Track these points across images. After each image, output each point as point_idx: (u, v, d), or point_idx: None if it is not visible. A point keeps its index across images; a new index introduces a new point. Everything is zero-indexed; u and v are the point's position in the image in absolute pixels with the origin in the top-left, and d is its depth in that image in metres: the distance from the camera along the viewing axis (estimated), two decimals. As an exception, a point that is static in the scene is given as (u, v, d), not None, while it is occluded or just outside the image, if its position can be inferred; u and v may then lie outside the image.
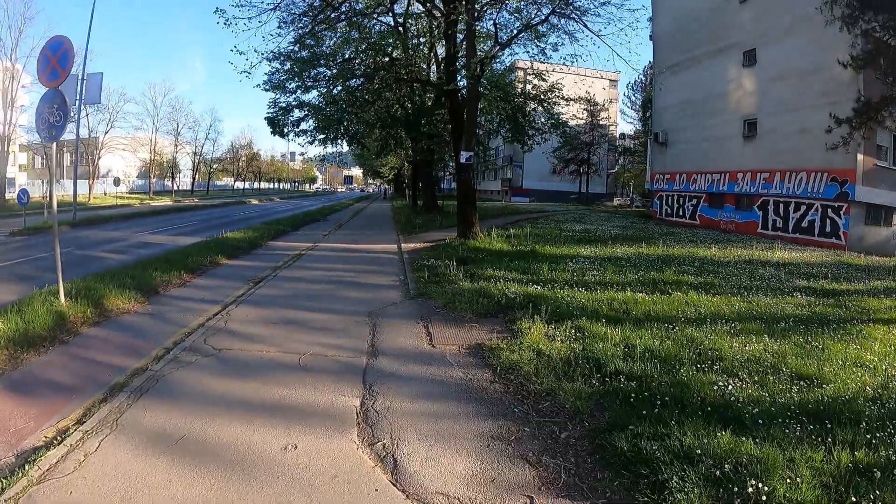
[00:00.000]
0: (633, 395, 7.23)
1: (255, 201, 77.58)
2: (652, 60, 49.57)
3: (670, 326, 10.75)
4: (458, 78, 23.66)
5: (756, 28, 36.15)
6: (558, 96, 38.41)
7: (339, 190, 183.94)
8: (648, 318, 11.59)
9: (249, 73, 22.14)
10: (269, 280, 16.60)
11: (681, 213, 43.64)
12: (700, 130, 41.40)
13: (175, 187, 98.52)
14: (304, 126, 41.31)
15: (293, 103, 39.55)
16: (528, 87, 36.58)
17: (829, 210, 31.76)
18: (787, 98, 33.82)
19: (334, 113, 37.19)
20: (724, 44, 38.61)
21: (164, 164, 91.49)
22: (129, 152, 79.87)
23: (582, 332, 10.32)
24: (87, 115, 68.65)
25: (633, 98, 78.20)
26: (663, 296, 13.92)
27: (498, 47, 21.80)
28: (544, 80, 36.12)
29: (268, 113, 41.23)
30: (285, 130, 41.46)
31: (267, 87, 39.81)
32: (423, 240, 27.11)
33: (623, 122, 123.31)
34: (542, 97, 37.11)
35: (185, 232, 30.91)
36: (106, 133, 72.94)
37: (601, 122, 77.46)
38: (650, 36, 48.70)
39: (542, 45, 23.02)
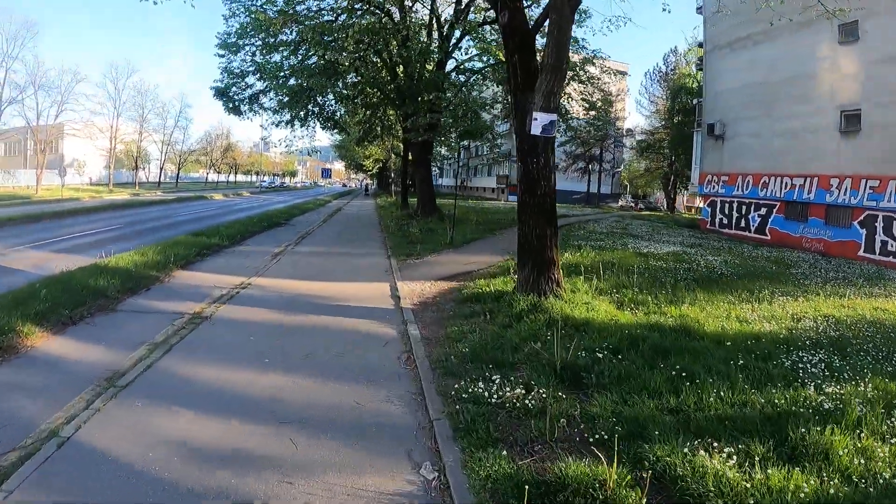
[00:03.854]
0: None
1: (218, 196, 64.70)
2: (702, 37, 38.49)
3: None
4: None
5: (859, -6, 25.79)
6: (603, 69, 28.52)
7: (318, 184, 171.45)
8: None
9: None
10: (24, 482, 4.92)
11: (743, 224, 32.80)
12: (773, 122, 30.65)
13: (144, 178, 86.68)
14: (264, 101, 30.57)
15: (249, 68, 28.49)
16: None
17: (972, 234, 21.75)
18: (906, 85, 24.04)
19: (303, 83, 26.36)
20: (812, 14, 27.92)
21: (130, 153, 78.85)
22: (96, 139, 67.52)
23: None
24: (35, 92, 56.77)
25: (649, 88, 67.61)
26: None
27: None
28: (584, 46, 26.49)
29: (216, 81, 29.99)
30: (241, 107, 30.50)
31: (221, 52, 28.91)
32: (435, 273, 15.69)
33: (638, 115, 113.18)
34: (576, 72, 27.62)
35: (86, 245, 19.72)
36: (56, 117, 60.53)
37: (615, 117, 66.52)
38: (697, 8, 38.22)
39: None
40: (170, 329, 9.66)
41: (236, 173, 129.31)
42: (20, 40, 65.53)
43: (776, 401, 6.73)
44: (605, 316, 10.14)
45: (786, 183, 29.76)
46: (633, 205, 76.97)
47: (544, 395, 6.50)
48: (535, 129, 9.95)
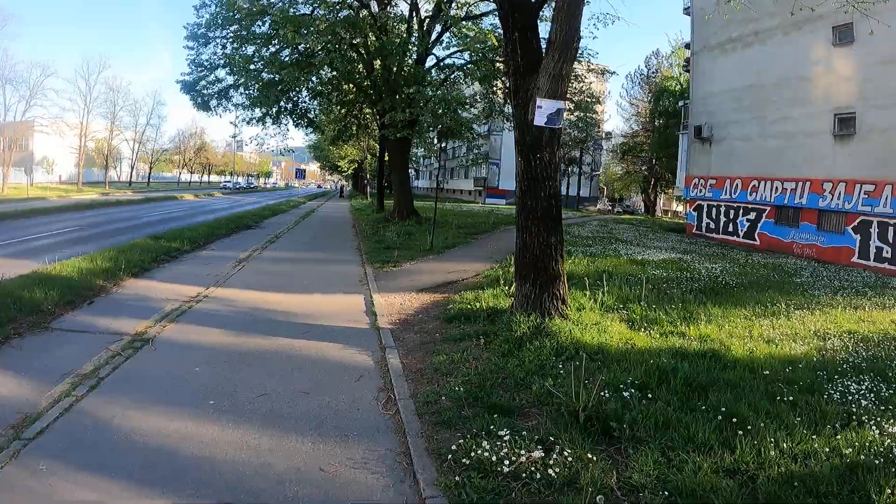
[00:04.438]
0: None
1: (189, 196, 62.08)
2: (689, 38, 37.31)
3: None
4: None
5: (854, -5, 24.54)
6: (589, 68, 27.21)
7: (290, 186, 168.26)
8: None
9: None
10: None
11: (731, 228, 31.61)
12: (764, 125, 29.39)
13: (115, 178, 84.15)
14: (234, 97, 28.77)
15: (219, 60, 26.78)
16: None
17: (973, 241, 20.66)
18: (903, 88, 22.94)
19: (275, 76, 24.83)
20: (805, 15, 26.86)
21: (101, 151, 76.12)
22: (65, 137, 64.90)
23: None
24: (2, 86, 55.68)
25: (630, 91, 66.69)
26: None
27: None
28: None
29: (184, 75, 28.17)
30: (210, 103, 28.69)
31: (190, 44, 27.18)
32: (415, 283, 14.12)
33: (619, 118, 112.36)
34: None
35: (39, 248, 17.82)
36: (24, 113, 58.15)
37: (596, 118, 65.56)
38: (685, 9, 37.07)
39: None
40: (103, 355, 7.98)
41: (210, 173, 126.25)
42: None
43: (842, 449, 5.44)
44: (619, 339, 8.63)
45: (776, 187, 28.59)
46: (610, 208, 75.97)
47: (570, 459, 4.96)
48: (540, 119, 8.37)
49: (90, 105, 69.18)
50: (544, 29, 16.12)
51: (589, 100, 31.13)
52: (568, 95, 28.13)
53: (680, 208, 73.86)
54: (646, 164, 61.60)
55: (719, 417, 5.93)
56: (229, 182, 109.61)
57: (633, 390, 6.53)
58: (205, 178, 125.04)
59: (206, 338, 9.11)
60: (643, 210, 68.93)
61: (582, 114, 30.71)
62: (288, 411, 6.41)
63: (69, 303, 10.69)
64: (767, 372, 7.56)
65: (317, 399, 6.79)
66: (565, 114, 30.83)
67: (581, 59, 26.71)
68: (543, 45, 9.68)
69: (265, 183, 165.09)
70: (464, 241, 22.72)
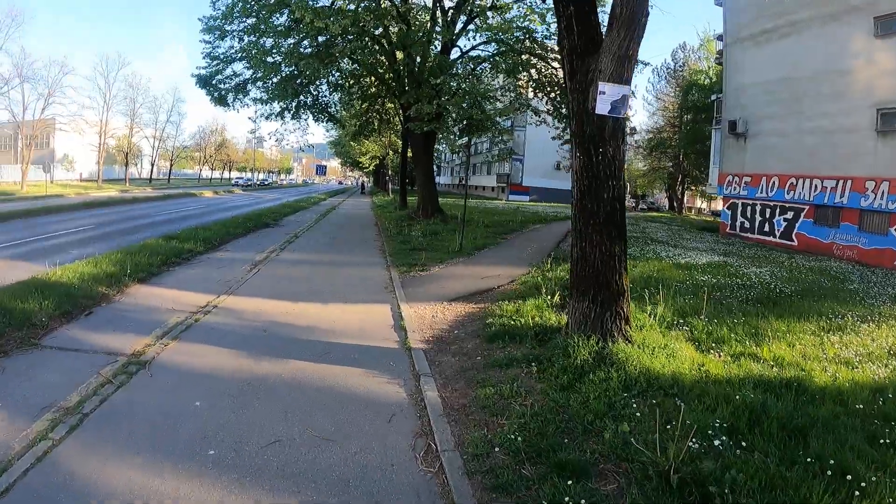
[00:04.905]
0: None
1: (208, 193, 61.32)
2: (722, 30, 35.84)
3: None
4: None
5: (897, -14, 23.22)
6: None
7: (307, 182, 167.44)
8: None
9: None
10: None
11: (766, 228, 30.12)
12: (801, 120, 27.80)
13: (136, 175, 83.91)
14: (252, 91, 27.76)
15: (236, 54, 25.79)
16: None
17: None
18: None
19: (294, 69, 23.85)
20: (843, 6, 25.36)
21: (121, 149, 75.74)
22: (84, 135, 64.28)
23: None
24: (20, 84, 54.36)
25: (657, 85, 65.00)
26: None
27: None
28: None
29: (199, 69, 27.21)
30: (227, 97, 27.71)
31: (206, 38, 26.23)
32: (447, 291, 12.92)
33: (644, 114, 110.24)
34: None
35: (47, 249, 16.87)
36: (43, 111, 57.54)
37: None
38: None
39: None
40: (92, 382, 6.83)
41: (230, 170, 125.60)
42: (5, 30, 62.71)
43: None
44: (690, 366, 7.33)
45: (815, 185, 27.08)
46: (633, 205, 74.21)
47: None
48: (602, 107, 7.07)
49: (110, 102, 68.98)
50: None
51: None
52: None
53: (705, 206, 72.01)
54: (672, 160, 59.91)
55: (829, 472, 4.71)
56: (241, 178, 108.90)
57: (723, 437, 5.29)
58: (226, 174, 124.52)
59: (211, 360, 7.91)
60: (667, 207, 67.31)
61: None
62: (305, 467, 5.14)
63: (65, 314, 9.60)
64: (860, 406, 6.33)
65: (340, 448, 5.51)
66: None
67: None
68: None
69: (282, 179, 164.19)
70: (493, 241, 21.49)
